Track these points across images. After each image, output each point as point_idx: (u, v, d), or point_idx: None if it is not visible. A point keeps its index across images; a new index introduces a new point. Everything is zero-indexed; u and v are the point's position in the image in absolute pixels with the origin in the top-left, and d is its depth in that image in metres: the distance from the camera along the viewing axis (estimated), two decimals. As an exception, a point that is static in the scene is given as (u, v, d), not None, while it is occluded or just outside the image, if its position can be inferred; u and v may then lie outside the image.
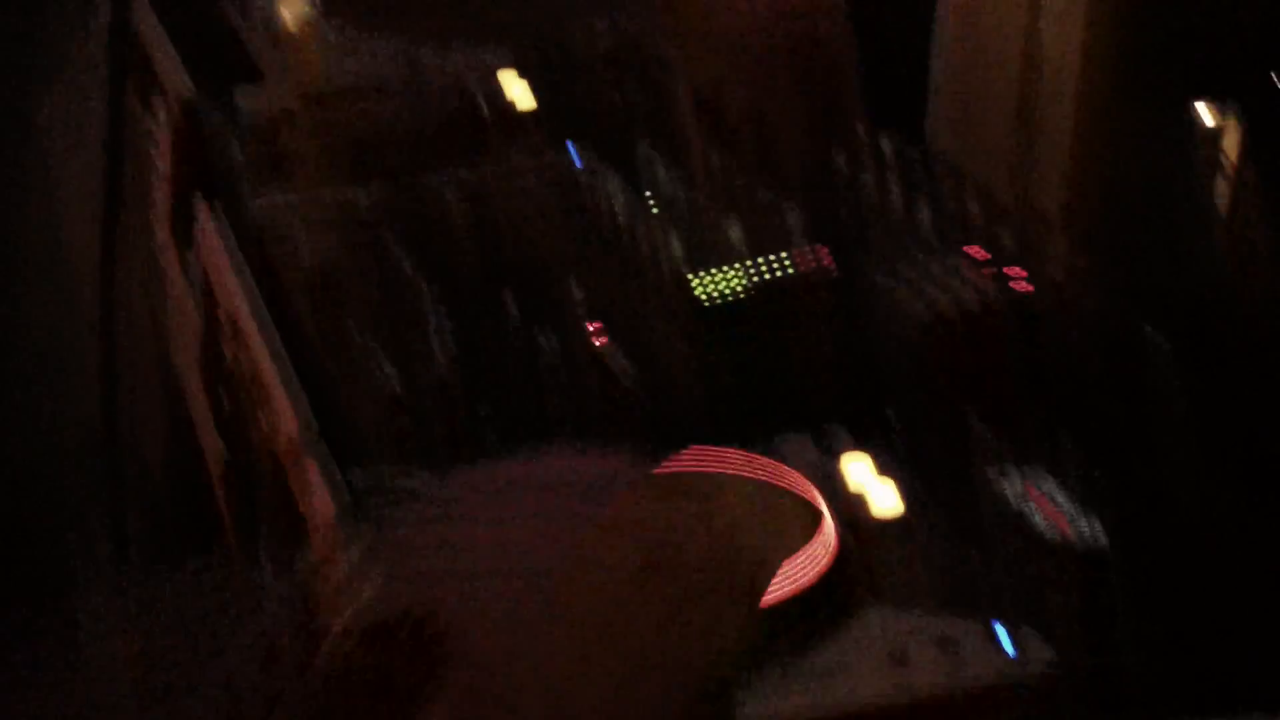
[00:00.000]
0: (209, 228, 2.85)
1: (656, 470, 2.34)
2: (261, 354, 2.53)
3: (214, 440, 2.76)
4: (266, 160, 3.28)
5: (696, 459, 2.50)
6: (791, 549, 2.53)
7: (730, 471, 2.51)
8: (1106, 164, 3.24)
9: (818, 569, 2.55)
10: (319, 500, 2.28)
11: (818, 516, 2.37)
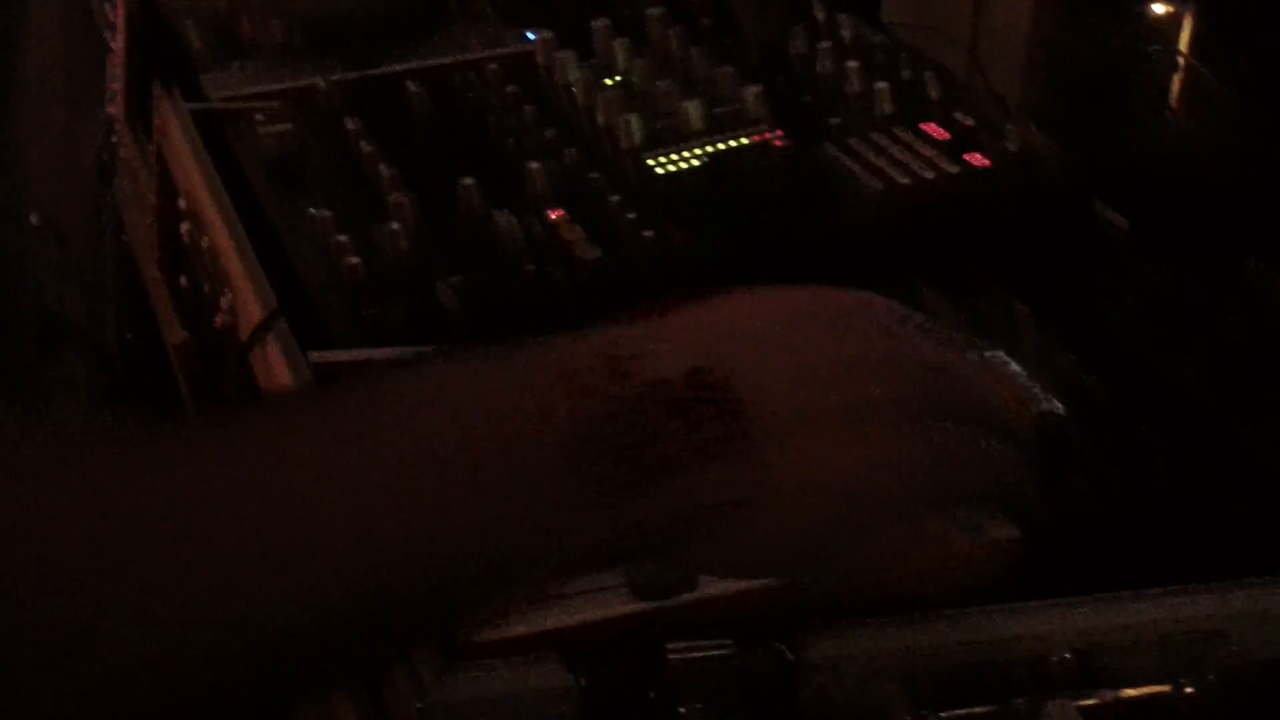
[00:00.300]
0: (166, 113, 2.74)
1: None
2: (222, 239, 2.42)
3: (174, 325, 2.66)
4: (223, 46, 3.14)
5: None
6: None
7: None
8: (1062, 48, 3.17)
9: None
10: (281, 381, 2.19)
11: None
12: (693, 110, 1.76)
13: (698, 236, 1.60)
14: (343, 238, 1.61)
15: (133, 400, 2.79)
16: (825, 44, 1.99)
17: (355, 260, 1.58)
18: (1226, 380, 1.37)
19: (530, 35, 2.31)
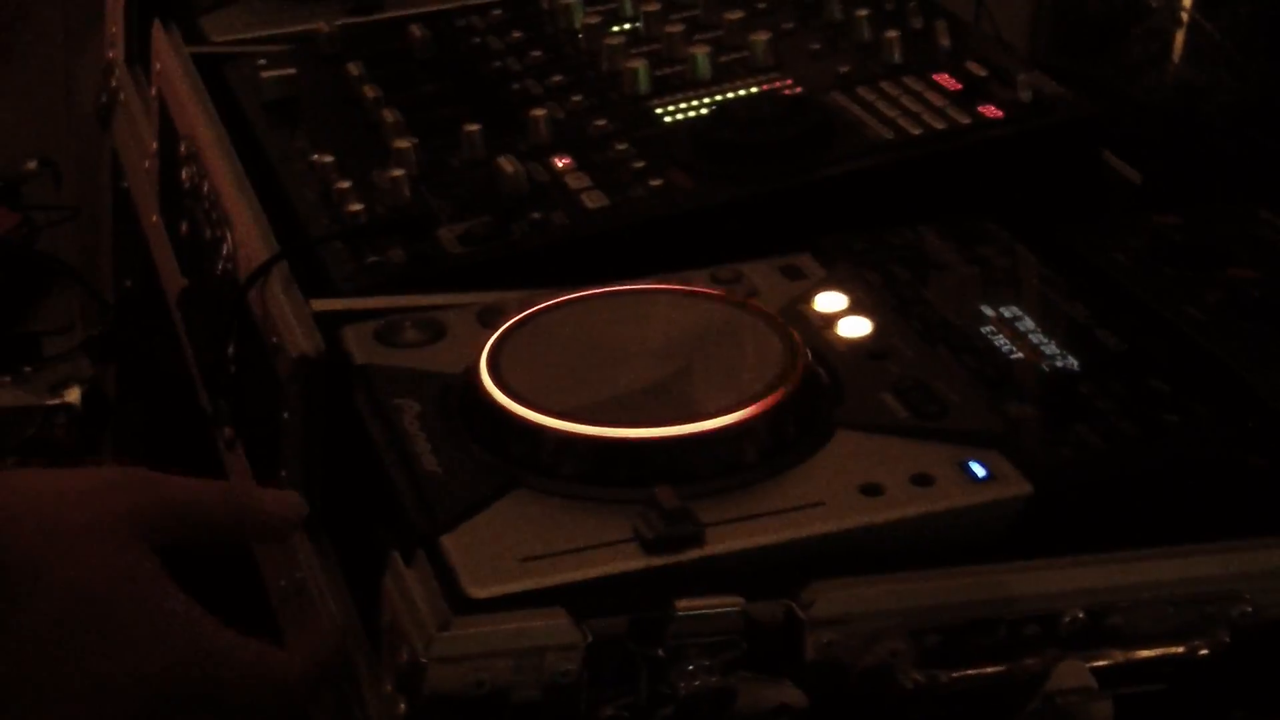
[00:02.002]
0: (167, 57, 2.70)
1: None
2: (224, 182, 2.39)
3: (174, 272, 2.64)
4: None
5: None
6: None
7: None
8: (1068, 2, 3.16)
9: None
10: (283, 325, 2.16)
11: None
12: (700, 57, 1.73)
13: (704, 185, 1.57)
14: (345, 183, 1.59)
15: (127, 345, 2.77)
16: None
17: (357, 206, 1.55)
18: (1239, 332, 1.35)
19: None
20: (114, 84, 2.47)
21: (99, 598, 1.06)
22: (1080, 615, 1.11)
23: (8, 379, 2.68)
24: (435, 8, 1.93)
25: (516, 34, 1.85)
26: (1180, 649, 1.13)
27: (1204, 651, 1.13)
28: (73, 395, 2.57)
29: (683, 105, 1.68)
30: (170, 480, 1.15)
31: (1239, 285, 1.38)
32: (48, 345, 2.86)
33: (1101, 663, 1.13)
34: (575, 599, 1.09)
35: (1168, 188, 1.90)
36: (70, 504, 1.09)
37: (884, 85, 1.69)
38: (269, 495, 1.18)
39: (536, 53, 1.81)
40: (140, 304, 2.68)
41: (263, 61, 1.81)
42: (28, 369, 2.70)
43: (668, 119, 1.67)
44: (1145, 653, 1.13)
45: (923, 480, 1.21)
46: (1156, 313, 1.38)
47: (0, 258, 2.87)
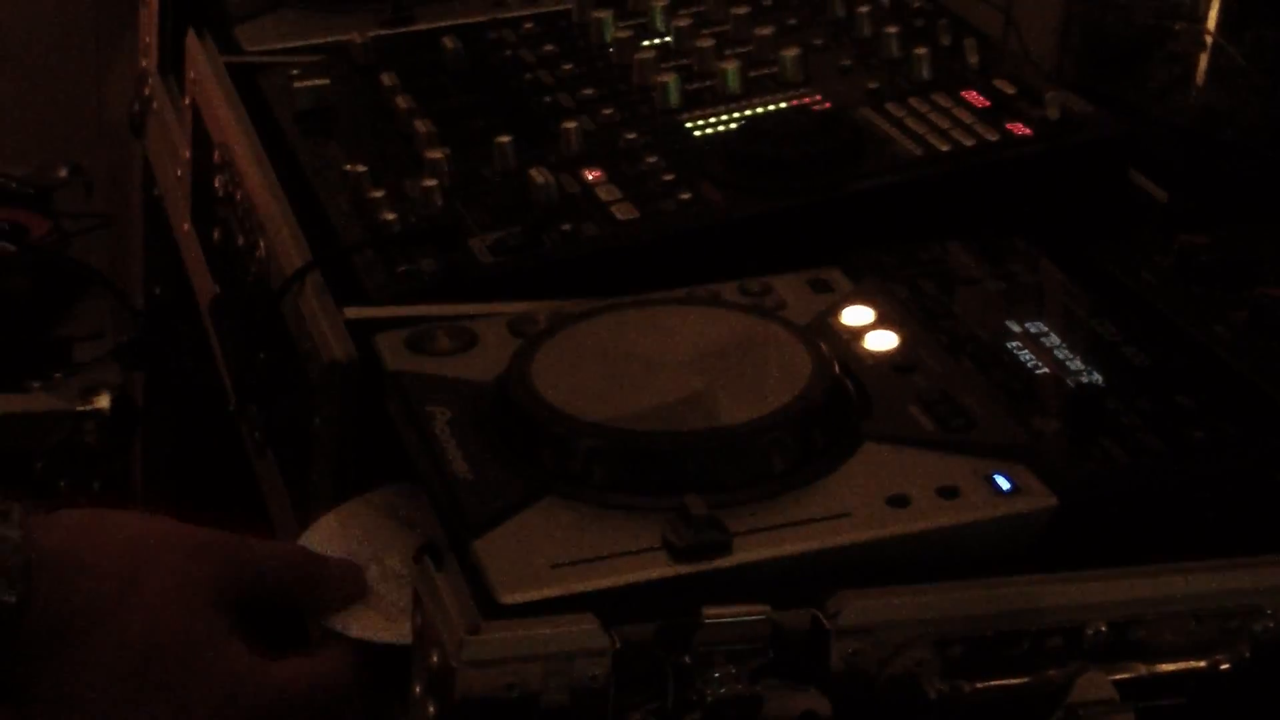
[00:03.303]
0: (201, 66, 2.71)
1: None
2: (258, 190, 2.39)
3: (206, 279, 2.64)
4: (259, 0, 3.15)
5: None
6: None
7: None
8: (1097, 17, 3.15)
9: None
10: (315, 332, 2.17)
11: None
12: (731, 72, 1.75)
13: (734, 198, 1.59)
14: (377, 192, 1.61)
15: (157, 352, 2.79)
16: (864, 7, 1.97)
17: (390, 215, 1.57)
18: (1265, 350, 1.37)
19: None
20: (147, 93, 2.50)
21: (170, 657, 1.11)
22: (1103, 628, 1.12)
23: (38, 385, 2.71)
24: (468, 20, 1.95)
25: (548, 47, 1.87)
26: (1202, 663, 1.14)
27: (1225, 665, 1.14)
28: (102, 401, 2.59)
29: (713, 119, 1.69)
30: (252, 547, 1.22)
31: (1265, 303, 1.40)
32: (78, 351, 2.88)
33: (1124, 675, 1.14)
34: (604, 605, 1.10)
35: (1194, 207, 1.91)
36: (152, 562, 1.15)
37: (913, 102, 1.70)
38: (333, 565, 1.23)
39: (568, 65, 1.82)
40: (170, 311, 2.70)
41: (296, 71, 1.83)
42: (58, 375, 2.72)
43: (698, 133, 1.68)
44: (1167, 666, 1.14)
45: (949, 492, 1.23)
46: (1184, 330, 1.40)
47: (32, 264, 2.89)
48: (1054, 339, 1.37)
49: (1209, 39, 2.17)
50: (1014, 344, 1.39)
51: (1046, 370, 1.35)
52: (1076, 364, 1.33)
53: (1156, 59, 2.33)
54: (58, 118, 3.37)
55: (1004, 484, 1.22)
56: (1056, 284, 1.49)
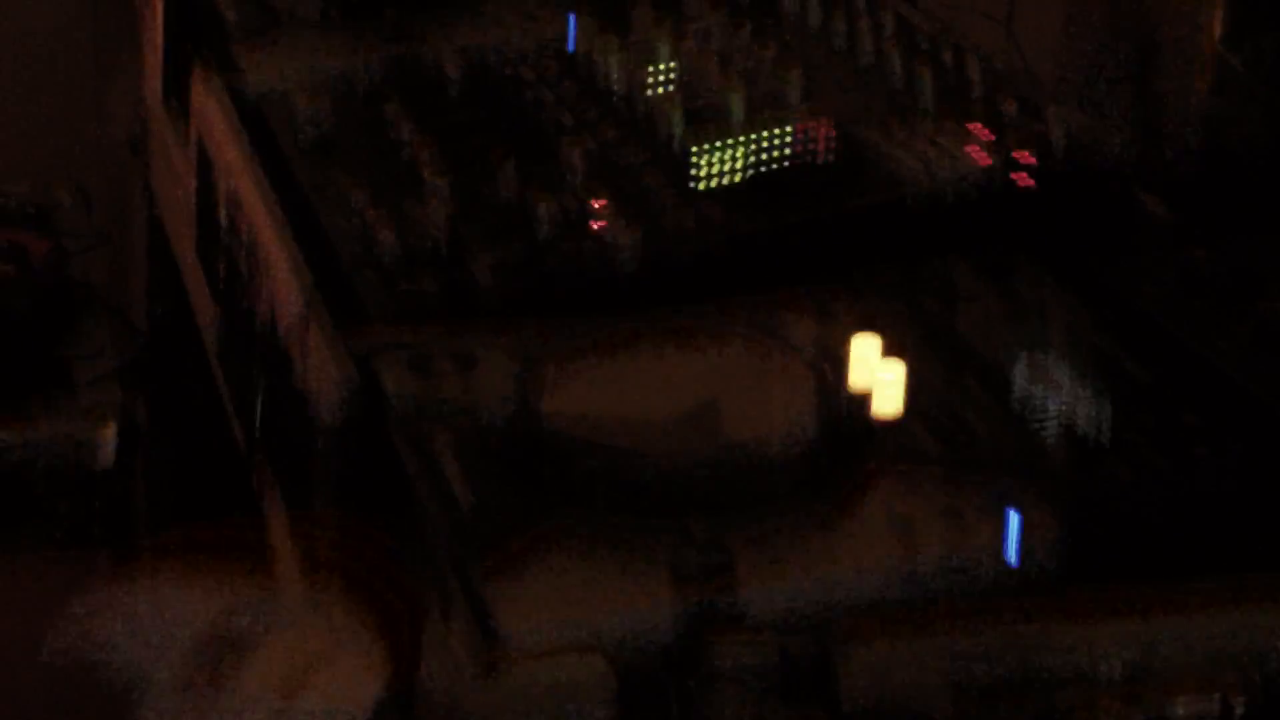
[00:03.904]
0: (204, 95, 2.71)
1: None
2: (261, 220, 2.40)
3: (209, 308, 2.64)
4: (260, 24, 3.13)
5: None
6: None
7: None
8: (1098, 30, 3.16)
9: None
10: (321, 363, 2.17)
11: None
12: (734, 94, 1.74)
13: (737, 221, 1.58)
14: (380, 216, 1.60)
15: (157, 374, 2.78)
16: (866, 28, 1.96)
17: (392, 238, 1.57)
18: (1269, 365, 1.36)
19: (571, 16, 2.29)
20: (147, 115, 2.49)
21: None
22: (1118, 662, 1.11)
23: (38, 405, 2.70)
24: (471, 43, 1.94)
25: (551, 70, 1.86)
26: (1215, 703, 1.13)
27: (1240, 698, 1.13)
28: (108, 433, 2.59)
29: (716, 142, 1.69)
30: None
31: (1270, 318, 1.39)
32: (78, 370, 2.88)
33: (1138, 709, 1.13)
34: (609, 629, 1.10)
35: (1197, 222, 1.90)
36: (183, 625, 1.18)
37: (916, 122, 1.70)
38: None
39: (570, 89, 1.82)
40: (172, 331, 2.69)
41: (300, 96, 1.82)
42: (58, 395, 2.71)
43: (701, 157, 1.68)
44: (1182, 699, 1.13)
45: (952, 513, 1.22)
46: (1188, 346, 1.39)
47: (31, 284, 2.88)
48: (1058, 356, 1.37)
49: (1210, 50, 2.17)
50: (1017, 361, 1.38)
51: (1050, 388, 1.35)
52: (1080, 381, 1.33)
53: (1158, 70, 2.32)
54: (57, 136, 3.36)
55: (1008, 504, 1.22)
56: (1059, 300, 1.49)
